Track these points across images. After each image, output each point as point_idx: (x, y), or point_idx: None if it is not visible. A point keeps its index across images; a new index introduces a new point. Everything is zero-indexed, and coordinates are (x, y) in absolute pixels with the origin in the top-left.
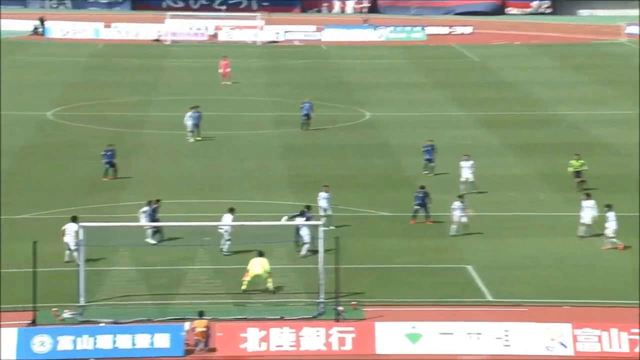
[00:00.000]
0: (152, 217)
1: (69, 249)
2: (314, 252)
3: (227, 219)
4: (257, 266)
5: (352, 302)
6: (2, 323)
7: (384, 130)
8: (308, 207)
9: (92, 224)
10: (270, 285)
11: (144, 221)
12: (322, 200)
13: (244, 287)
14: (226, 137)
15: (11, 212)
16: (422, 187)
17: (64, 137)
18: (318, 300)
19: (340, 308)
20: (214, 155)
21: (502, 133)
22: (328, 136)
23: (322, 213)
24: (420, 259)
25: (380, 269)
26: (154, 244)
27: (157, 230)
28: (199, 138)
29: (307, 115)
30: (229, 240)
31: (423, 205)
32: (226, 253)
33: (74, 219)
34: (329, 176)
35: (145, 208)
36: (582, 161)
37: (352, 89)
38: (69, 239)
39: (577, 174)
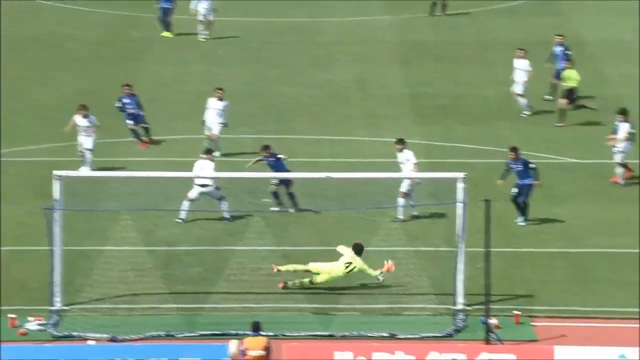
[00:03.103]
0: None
1: None
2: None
3: (209, 167)
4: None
5: (514, 312)
6: None
7: None
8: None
9: (71, 172)
10: (377, 273)
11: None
12: None
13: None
14: None
15: None
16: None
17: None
18: (454, 308)
19: (493, 321)
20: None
21: None
22: None
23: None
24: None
25: (568, 254)
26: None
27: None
28: None
29: None
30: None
31: None
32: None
33: None
34: None
35: None
36: None
37: None
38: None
39: None
